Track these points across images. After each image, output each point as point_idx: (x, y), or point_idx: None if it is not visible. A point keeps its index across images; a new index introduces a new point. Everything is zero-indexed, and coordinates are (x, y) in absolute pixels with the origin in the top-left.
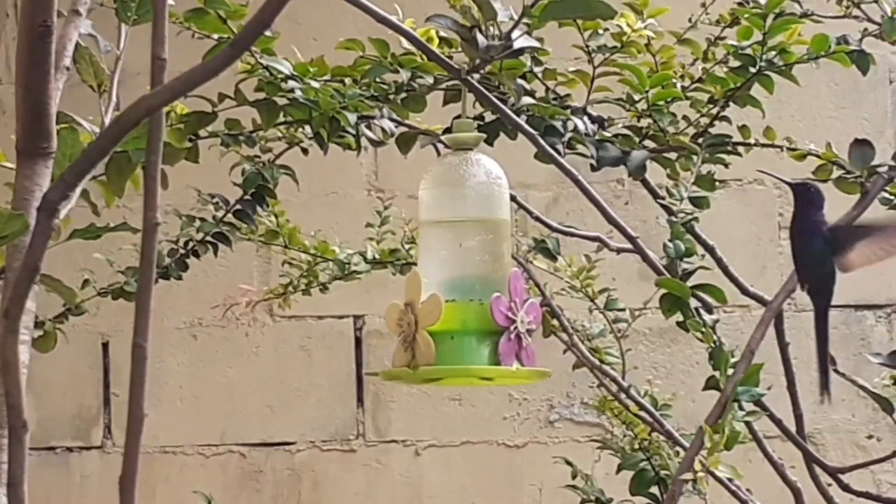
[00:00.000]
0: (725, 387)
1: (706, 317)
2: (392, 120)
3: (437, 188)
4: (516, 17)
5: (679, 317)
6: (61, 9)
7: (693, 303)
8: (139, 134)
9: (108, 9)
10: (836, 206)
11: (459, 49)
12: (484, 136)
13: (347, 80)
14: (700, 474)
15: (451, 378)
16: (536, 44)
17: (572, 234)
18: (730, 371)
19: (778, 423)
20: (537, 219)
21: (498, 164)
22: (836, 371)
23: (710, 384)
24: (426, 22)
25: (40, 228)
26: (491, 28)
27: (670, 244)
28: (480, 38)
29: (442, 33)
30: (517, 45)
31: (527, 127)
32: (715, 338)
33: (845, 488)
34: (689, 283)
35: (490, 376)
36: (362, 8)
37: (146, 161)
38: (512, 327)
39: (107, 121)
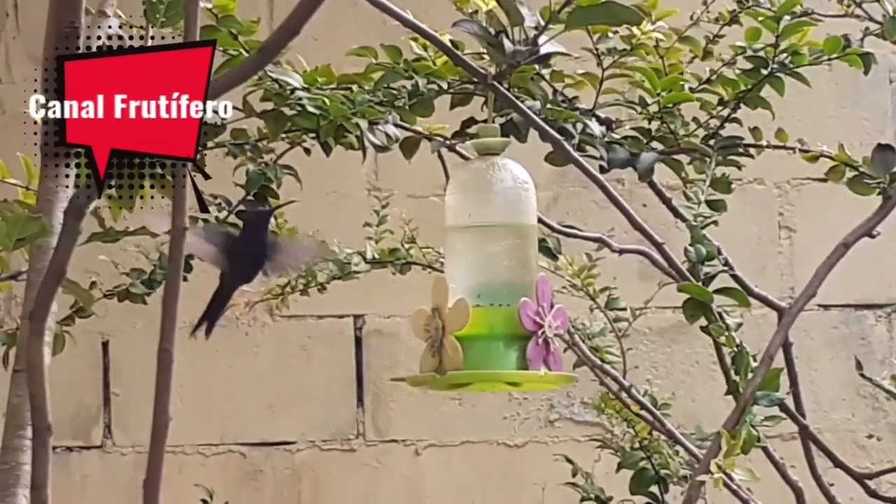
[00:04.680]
0: (744, 391)
1: (729, 321)
2: (395, 124)
3: (463, 193)
4: (542, 23)
5: (702, 322)
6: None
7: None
8: None
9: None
10: (849, 208)
11: (469, 52)
12: (510, 140)
13: (355, 87)
14: (717, 476)
15: (479, 383)
16: (563, 49)
17: (574, 235)
18: (749, 375)
19: (803, 428)
20: (539, 219)
21: (524, 169)
22: (862, 375)
23: (731, 388)
24: (452, 27)
25: (67, 230)
26: (517, 33)
27: (691, 248)
28: (507, 43)
29: (452, 38)
30: (544, 50)
31: (552, 132)
32: (737, 341)
33: (872, 494)
34: (711, 287)
35: (518, 381)
36: (388, 11)
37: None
38: (540, 332)
39: None
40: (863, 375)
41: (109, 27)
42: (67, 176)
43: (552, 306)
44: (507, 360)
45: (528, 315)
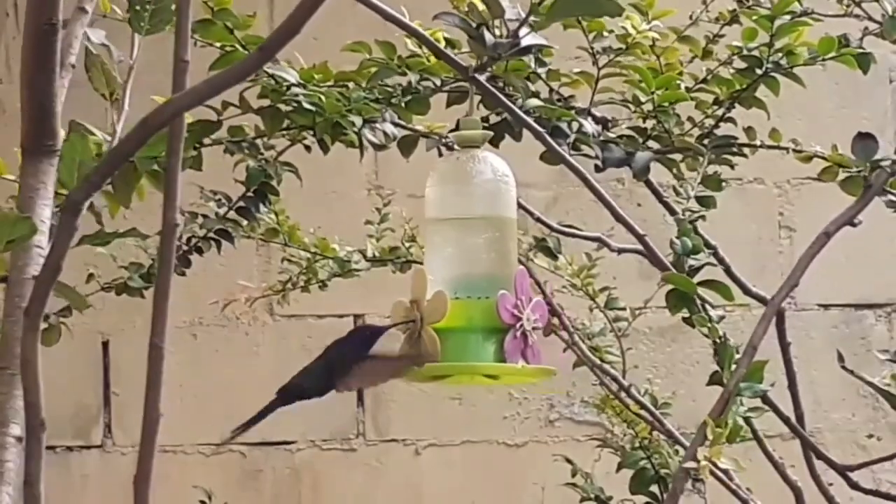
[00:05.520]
0: (728, 382)
1: (711, 312)
2: (394, 123)
3: (443, 186)
4: (524, 15)
5: (684, 313)
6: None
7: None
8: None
9: (120, 20)
10: (840, 205)
11: (465, 51)
12: (490, 133)
13: (351, 84)
14: (703, 463)
15: (457, 375)
16: (544, 42)
17: (573, 235)
18: (733, 367)
19: (786, 420)
20: (538, 219)
21: (505, 162)
22: (844, 367)
23: (714, 379)
24: (433, 20)
25: (64, 228)
26: (498, 26)
27: (677, 241)
28: (488, 35)
29: (447, 35)
30: (525, 42)
31: (534, 124)
32: (720, 333)
33: (854, 486)
34: (696, 279)
35: (495, 374)
36: (372, 7)
37: (166, 163)
38: (518, 325)
39: (118, 129)
40: (844, 368)
41: (90, 41)
42: (50, 172)
43: (531, 299)
44: (485, 352)
45: (506, 308)
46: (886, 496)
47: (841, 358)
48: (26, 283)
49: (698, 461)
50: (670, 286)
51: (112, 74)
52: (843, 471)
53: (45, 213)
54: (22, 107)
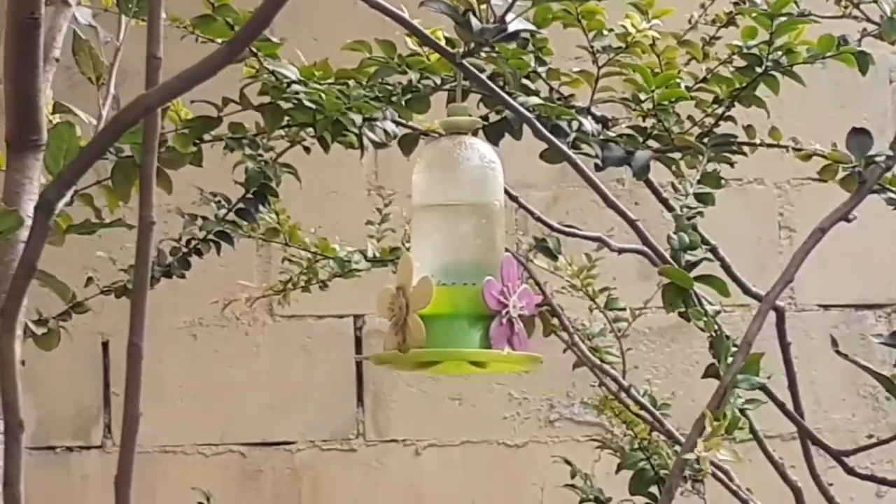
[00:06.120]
0: (725, 375)
1: (708, 306)
2: (394, 121)
3: (430, 172)
4: (510, 0)
5: (681, 308)
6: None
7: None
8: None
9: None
10: (837, 202)
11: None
12: (479, 120)
13: (351, 82)
14: (703, 454)
15: (442, 361)
16: (531, 27)
17: (573, 235)
18: (729, 360)
19: (781, 405)
20: (538, 218)
21: (492, 149)
22: (838, 352)
23: (710, 372)
24: (419, 7)
25: (38, 226)
26: (485, 12)
27: (674, 236)
28: (474, 21)
29: (448, 35)
30: (511, 28)
31: (522, 109)
32: (716, 326)
33: (850, 472)
34: (693, 274)
35: (481, 360)
36: None
37: (142, 160)
38: (504, 311)
39: (104, 112)
40: (838, 352)
41: (77, 21)
42: (35, 167)
43: (517, 286)
44: (470, 339)
45: (492, 294)
46: (883, 481)
47: (835, 342)
48: (11, 278)
49: (697, 452)
50: (667, 280)
51: (99, 59)
52: (838, 455)
53: (30, 209)
54: (6, 102)
